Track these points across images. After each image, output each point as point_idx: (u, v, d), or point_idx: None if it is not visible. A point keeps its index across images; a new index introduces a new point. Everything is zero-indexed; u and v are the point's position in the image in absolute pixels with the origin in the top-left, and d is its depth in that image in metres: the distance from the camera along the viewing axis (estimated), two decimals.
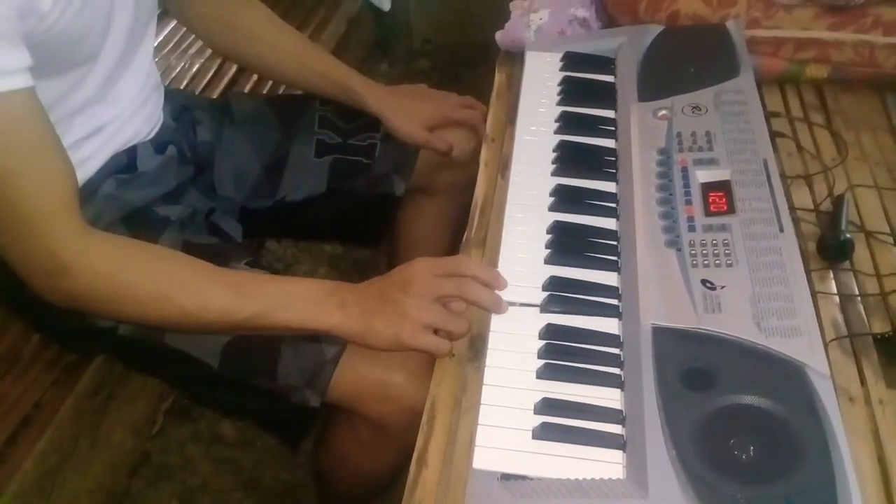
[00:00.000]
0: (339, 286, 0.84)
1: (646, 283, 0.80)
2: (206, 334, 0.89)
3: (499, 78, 1.19)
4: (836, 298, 0.86)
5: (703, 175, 0.89)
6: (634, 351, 0.74)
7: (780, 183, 0.89)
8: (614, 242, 0.88)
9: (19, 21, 0.73)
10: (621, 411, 0.72)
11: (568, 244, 0.88)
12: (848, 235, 0.89)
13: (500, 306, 0.80)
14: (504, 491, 0.66)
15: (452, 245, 1.27)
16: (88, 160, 0.96)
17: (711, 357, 0.73)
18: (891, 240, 0.93)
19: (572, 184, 0.95)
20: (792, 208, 0.93)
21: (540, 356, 0.77)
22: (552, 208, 0.92)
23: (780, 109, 1.11)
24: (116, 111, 0.98)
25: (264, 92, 1.65)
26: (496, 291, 0.81)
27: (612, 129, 1.02)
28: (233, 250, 1.01)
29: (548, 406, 0.72)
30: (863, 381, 0.78)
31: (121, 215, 0.96)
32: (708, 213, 0.85)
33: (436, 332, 0.80)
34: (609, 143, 1.01)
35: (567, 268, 0.85)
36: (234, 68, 1.71)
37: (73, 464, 1.13)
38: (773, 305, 0.76)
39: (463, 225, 0.97)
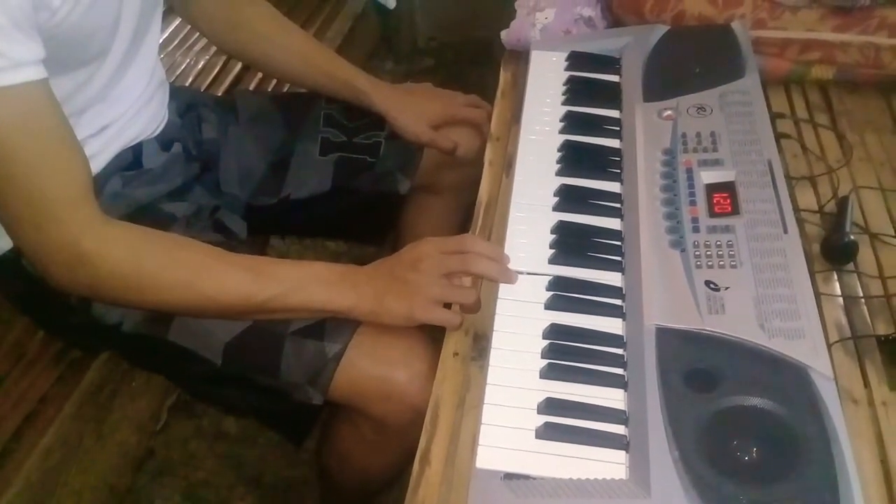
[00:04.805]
0: (351, 268, 0.86)
1: (649, 283, 0.80)
2: (224, 319, 0.90)
3: (504, 77, 1.19)
4: (840, 300, 0.86)
5: (707, 176, 0.89)
6: (638, 351, 0.75)
7: (785, 184, 0.89)
8: (618, 243, 0.88)
9: (33, 13, 0.73)
10: (624, 412, 0.72)
11: (572, 244, 0.88)
12: (852, 237, 0.89)
13: (509, 276, 0.83)
14: (507, 490, 0.66)
15: None
16: (94, 157, 0.96)
17: (715, 358, 0.73)
18: (895, 241, 0.92)
19: (577, 184, 0.95)
20: (796, 210, 0.93)
21: (543, 356, 0.77)
22: (556, 208, 0.92)
23: (785, 110, 1.11)
24: (122, 108, 0.99)
25: (269, 90, 1.66)
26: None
27: (617, 129, 1.02)
28: (237, 248, 1.01)
29: (551, 406, 0.73)
30: (866, 383, 0.78)
31: (127, 212, 0.96)
32: (712, 214, 0.85)
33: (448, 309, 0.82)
34: (614, 143, 1.01)
35: (571, 268, 0.85)
36: (239, 66, 1.71)
37: (78, 459, 1.13)
38: (776, 307, 0.76)
39: (467, 224, 0.97)
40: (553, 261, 0.86)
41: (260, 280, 0.83)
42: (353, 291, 0.84)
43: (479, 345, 0.82)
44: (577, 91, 1.08)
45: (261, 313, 0.86)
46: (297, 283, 0.84)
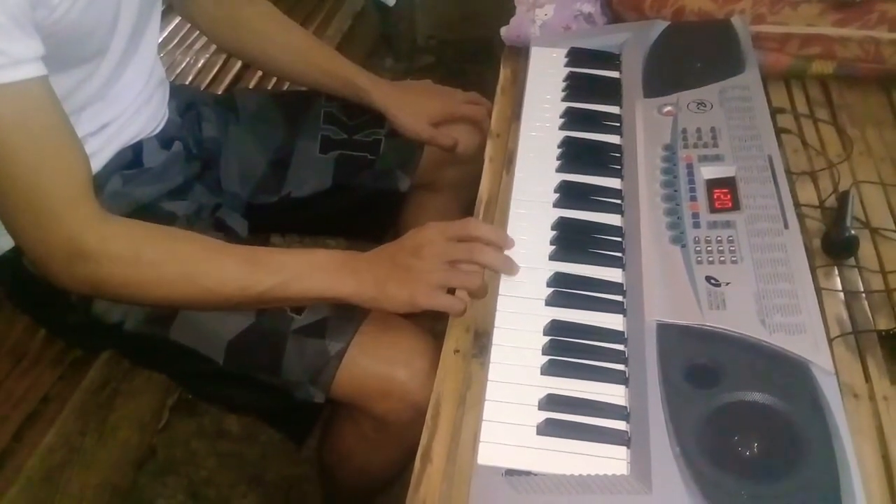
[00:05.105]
0: (352, 255, 0.86)
1: (650, 279, 0.80)
2: (226, 310, 0.90)
3: (504, 73, 1.19)
4: (841, 295, 0.86)
5: (708, 171, 0.89)
6: (639, 347, 0.74)
7: (786, 179, 0.88)
8: (619, 239, 0.88)
9: (31, 10, 0.73)
10: (625, 407, 0.72)
11: (573, 240, 0.88)
12: (853, 232, 0.89)
13: (511, 268, 0.82)
14: (508, 486, 0.66)
15: None
16: (94, 155, 0.96)
17: (715, 354, 0.72)
18: None
19: (577, 180, 0.95)
20: (797, 205, 0.93)
21: (544, 352, 0.77)
22: (557, 204, 0.92)
23: (785, 105, 1.11)
24: (121, 107, 0.99)
25: (269, 88, 1.66)
26: (506, 252, 0.83)
27: (618, 125, 1.02)
28: None
29: (552, 402, 0.73)
30: (867, 378, 0.78)
31: (127, 211, 0.96)
32: (713, 210, 0.85)
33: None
34: (614, 139, 1.00)
35: (572, 264, 0.85)
36: (238, 64, 1.71)
37: (80, 458, 1.13)
38: (777, 302, 0.76)
39: None
40: (554, 257, 0.86)
41: (260, 269, 0.83)
42: (352, 278, 0.83)
43: (480, 342, 0.82)
44: (577, 87, 1.08)
45: (262, 303, 0.85)
46: (297, 271, 0.83)
